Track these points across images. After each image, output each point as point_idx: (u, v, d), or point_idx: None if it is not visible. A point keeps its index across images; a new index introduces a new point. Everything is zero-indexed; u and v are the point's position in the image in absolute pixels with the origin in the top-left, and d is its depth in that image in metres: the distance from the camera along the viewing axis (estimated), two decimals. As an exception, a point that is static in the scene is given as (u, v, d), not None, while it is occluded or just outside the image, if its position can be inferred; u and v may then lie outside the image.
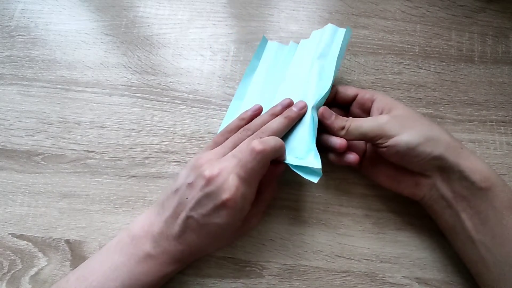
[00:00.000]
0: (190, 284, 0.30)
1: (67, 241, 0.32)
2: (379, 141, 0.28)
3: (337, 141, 0.29)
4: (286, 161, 0.29)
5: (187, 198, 0.26)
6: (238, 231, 0.29)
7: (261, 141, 0.26)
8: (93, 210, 0.33)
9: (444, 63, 0.38)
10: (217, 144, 0.30)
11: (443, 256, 0.30)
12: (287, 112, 0.30)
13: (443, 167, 0.27)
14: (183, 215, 0.26)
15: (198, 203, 0.26)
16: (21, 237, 0.32)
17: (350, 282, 0.30)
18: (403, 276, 0.30)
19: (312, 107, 0.30)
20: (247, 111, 0.32)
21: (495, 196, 0.26)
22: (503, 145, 0.34)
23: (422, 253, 0.31)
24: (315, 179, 0.28)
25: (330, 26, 0.33)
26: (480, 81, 0.37)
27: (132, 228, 0.28)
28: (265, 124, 0.30)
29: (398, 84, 0.37)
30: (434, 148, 0.27)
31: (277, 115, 0.30)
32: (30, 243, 0.32)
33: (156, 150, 0.35)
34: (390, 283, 0.30)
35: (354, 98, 0.32)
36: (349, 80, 0.37)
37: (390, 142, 0.27)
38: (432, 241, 0.31)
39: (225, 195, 0.25)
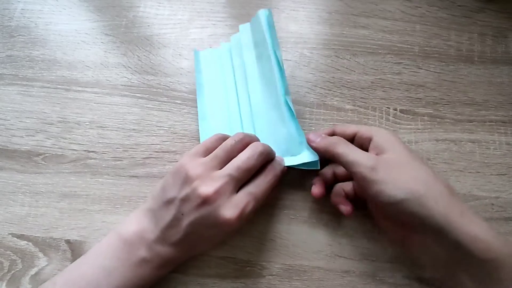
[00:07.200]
0: (191, 284, 0.30)
1: (68, 241, 0.32)
2: (362, 184, 0.26)
3: (314, 190, 0.30)
4: (286, 164, 0.30)
5: (182, 214, 0.26)
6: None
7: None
8: (94, 210, 0.33)
9: (443, 63, 0.38)
10: (208, 150, 0.28)
11: (442, 256, 0.31)
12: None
13: (434, 230, 0.23)
14: (181, 227, 0.26)
15: (195, 220, 0.26)
16: (21, 237, 0.32)
17: (351, 282, 0.30)
18: (403, 276, 0.30)
19: (284, 96, 0.31)
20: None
21: (499, 267, 0.22)
22: (502, 145, 0.34)
23: (422, 253, 0.31)
24: (317, 166, 0.30)
25: (258, 15, 0.33)
26: (479, 81, 0.37)
27: (123, 232, 0.27)
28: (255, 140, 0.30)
29: (397, 84, 0.37)
30: (421, 208, 0.23)
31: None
32: (30, 243, 0.32)
33: (156, 150, 0.35)
34: (390, 283, 0.30)
35: (353, 137, 0.29)
36: (349, 80, 0.37)
37: (371, 191, 0.25)
38: (431, 240, 0.31)
39: (225, 214, 0.25)
